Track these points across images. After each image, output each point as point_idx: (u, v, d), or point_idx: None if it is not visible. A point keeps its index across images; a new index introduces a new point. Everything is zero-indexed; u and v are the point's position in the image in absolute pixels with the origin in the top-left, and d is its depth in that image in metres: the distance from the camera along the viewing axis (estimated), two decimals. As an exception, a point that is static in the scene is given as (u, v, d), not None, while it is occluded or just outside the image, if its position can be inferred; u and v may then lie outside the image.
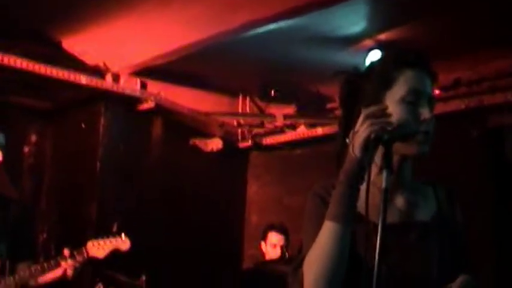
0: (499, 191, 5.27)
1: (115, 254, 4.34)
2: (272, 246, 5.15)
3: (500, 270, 5.10)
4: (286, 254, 5.01)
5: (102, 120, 5.62)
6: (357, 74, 1.98)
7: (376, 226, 1.69)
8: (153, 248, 5.48)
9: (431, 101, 1.90)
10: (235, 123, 6.64)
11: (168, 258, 5.65)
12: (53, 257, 3.57)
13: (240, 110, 6.58)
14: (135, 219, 5.55)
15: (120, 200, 5.62)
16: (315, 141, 6.25)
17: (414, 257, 1.87)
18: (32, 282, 3.50)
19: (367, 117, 1.77)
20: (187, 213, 6.09)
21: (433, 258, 1.89)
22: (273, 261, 5.05)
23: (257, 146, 6.66)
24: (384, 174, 1.71)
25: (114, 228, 5.35)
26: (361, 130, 1.75)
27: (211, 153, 6.40)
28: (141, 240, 5.15)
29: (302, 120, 6.39)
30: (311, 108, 6.36)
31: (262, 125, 6.63)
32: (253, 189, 6.73)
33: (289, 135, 6.50)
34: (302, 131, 6.40)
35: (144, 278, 4.59)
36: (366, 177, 1.76)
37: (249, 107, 6.62)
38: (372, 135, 1.73)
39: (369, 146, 1.73)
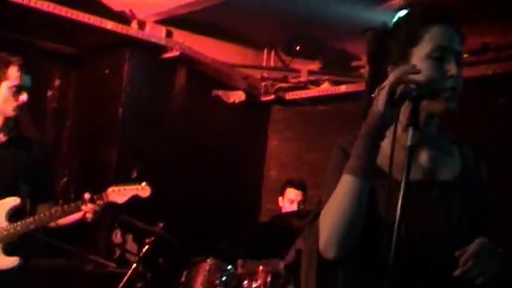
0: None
1: (134, 200, 4.39)
2: (289, 201, 5.16)
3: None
4: (303, 209, 5.04)
5: (126, 67, 5.61)
6: (384, 32, 1.96)
7: (398, 183, 1.68)
8: (171, 197, 5.50)
9: (459, 57, 1.88)
10: (258, 76, 6.59)
11: (186, 207, 5.69)
12: (73, 200, 3.60)
13: (264, 64, 6.54)
14: (155, 166, 5.58)
15: (141, 147, 5.65)
16: (338, 99, 6.21)
17: (434, 215, 1.86)
18: (52, 224, 3.54)
19: (395, 74, 1.75)
20: (207, 164, 6.11)
21: (453, 218, 1.88)
22: (289, 215, 5.07)
23: (279, 101, 6.62)
24: (410, 131, 1.70)
25: (134, 175, 5.42)
26: (387, 85, 1.73)
27: (233, 106, 6.38)
28: (160, 188, 5.18)
29: (326, 77, 6.34)
30: (336, 65, 6.30)
31: (285, 79, 6.58)
32: (273, 144, 6.72)
33: (312, 91, 6.45)
34: (325, 87, 6.35)
35: (161, 225, 4.63)
36: (389, 133, 1.76)
37: (274, 61, 6.59)
38: (398, 91, 1.71)
39: (393, 100, 1.71)
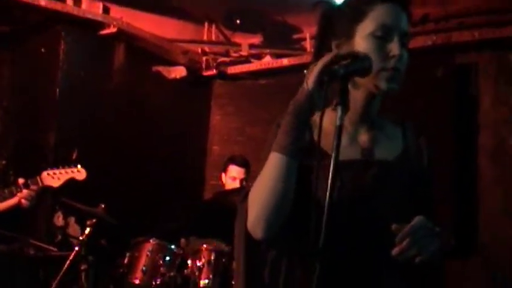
0: (461, 131, 5.29)
1: (74, 182, 4.31)
2: (232, 179, 5.12)
3: (459, 212, 5.17)
4: (246, 186, 5.03)
5: (62, 45, 5.44)
6: (334, 6, 1.94)
7: (339, 150, 1.65)
8: (113, 177, 5.44)
9: (405, 37, 1.85)
10: (199, 51, 6.51)
11: (129, 186, 5.62)
12: (7, 187, 3.52)
13: (205, 38, 6.46)
14: (96, 146, 5.48)
15: (80, 127, 5.53)
16: (280, 72, 6.19)
17: (370, 195, 1.85)
18: None
19: (330, 55, 1.73)
20: (150, 141, 6.02)
21: (391, 198, 1.86)
22: (231, 192, 5.06)
23: (221, 75, 6.56)
24: (338, 111, 1.66)
25: (74, 156, 5.32)
26: (320, 64, 1.70)
27: (175, 81, 6.30)
28: (102, 168, 5.13)
29: (267, 51, 6.30)
30: (277, 38, 6.27)
31: (227, 54, 6.52)
32: (216, 119, 6.68)
33: (254, 65, 6.41)
34: (267, 61, 6.32)
35: (102, 206, 4.57)
36: (331, 111, 1.73)
37: (215, 35, 6.50)
38: (326, 69, 1.69)
39: (323, 80, 1.68)
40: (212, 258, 4.41)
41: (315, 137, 1.79)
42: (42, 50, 5.56)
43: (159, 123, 6.15)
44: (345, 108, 1.67)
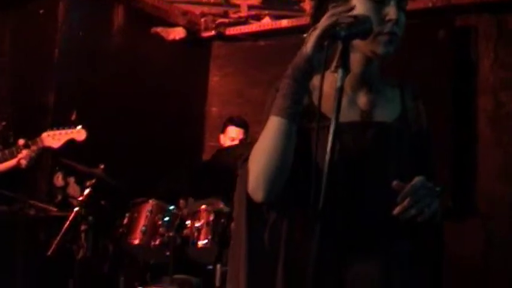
0: (460, 94, 5.29)
1: (74, 143, 4.33)
2: (230, 139, 5.15)
3: (458, 175, 5.20)
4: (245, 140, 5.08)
5: (61, 6, 5.41)
6: None
7: (339, 111, 1.65)
8: (112, 138, 5.45)
9: (403, 1, 1.86)
10: (198, 12, 6.46)
11: (128, 148, 5.63)
12: (7, 147, 3.53)
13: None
14: (94, 107, 5.48)
15: (79, 88, 5.52)
16: (279, 34, 6.16)
17: (370, 156, 1.86)
18: None
19: (329, 15, 1.72)
20: (148, 102, 6.02)
21: (391, 159, 1.87)
22: (229, 148, 5.08)
23: (220, 36, 6.52)
24: (339, 72, 1.66)
25: (73, 117, 5.32)
26: (319, 28, 1.70)
27: (173, 43, 6.27)
28: (101, 129, 5.14)
29: (267, 12, 6.25)
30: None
31: (226, 15, 6.47)
32: (214, 80, 6.66)
33: (253, 26, 6.36)
34: (267, 22, 6.28)
35: (102, 167, 4.58)
36: (330, 74, 1.73)
37: (214, -5, 6.46)
38: (325, 33, 1.69)
39: (323, 43, 1.69)
40: (211, 218, 4.42)
41: (314, 100, 1.82)
42: (41, 11, 5.54)
43: (157, 84, 6.14)
44: (346, 71, 1.67)
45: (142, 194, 4.72)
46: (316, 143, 1.71)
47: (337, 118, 1.63)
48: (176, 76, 6.32)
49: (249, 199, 1.83)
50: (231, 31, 6.48)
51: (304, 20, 5.67)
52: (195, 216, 4.48)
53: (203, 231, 4.40)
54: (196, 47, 6.54)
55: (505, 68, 5.16)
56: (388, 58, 1.87)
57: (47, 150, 3.49)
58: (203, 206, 4.50)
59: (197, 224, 4.42)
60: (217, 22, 6.45)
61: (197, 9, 6.46)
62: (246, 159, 1.83)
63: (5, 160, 3.39)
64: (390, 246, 1.87)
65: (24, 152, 3.37)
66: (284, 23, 6.10)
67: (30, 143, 3.39)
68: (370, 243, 1.85)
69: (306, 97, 1.82)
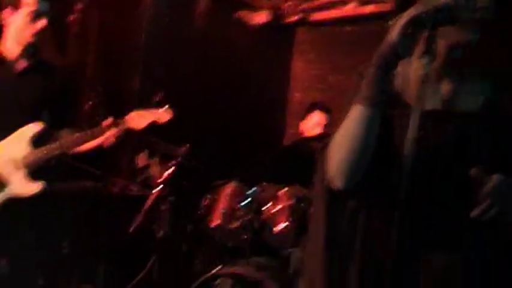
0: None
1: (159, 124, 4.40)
2: (314, 125, 5.13)
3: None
4: (327, 132, 5.03)
5: (148, -8, 5.54)
6: None
7: (422, 100, 1.66)
8: (196, 120, 5.53)
9: None
10: (283, -4, 6.48)
11: (211, 131, 5.72)
12: (95, 126, 3.62)
13: (289, -16, 6.43)
14: (179, 92, 5.56)
15: (164, 72, 5.63)
16: (364, 19, 6.09)
17: (450, 145, 1.83)
18: (74, 149, 3.58)
19: (418, 7, 1.70)
20: (231, 87, 6.09)
21: (472, 149, 1.83)
22: (311, 139, 5.07)
23: (304, 22, 6.53)
24: (424, 59, 1.67)
25: (158, 99, 5.42)
26: (406, 17, 1.69)
27: (257, 28, 6.30)
28: (185, 112, 5.21)
29: (352, -3, 6.23)
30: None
31: (310, 0, 6.46)
32: (298, 66, 6.67)
33: (337, 12, 6.35)
34: (351, 7, 6.23)
35: (186, 148, 4.65)
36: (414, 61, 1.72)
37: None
38: (411, 21, 1.68)
39: (408, 31, 1.68)
40: (290, 203, 4.41)
41: (398, 87, 1.81)
42: (129, -3, 5.66)
43: (241, 69, 6.20)
44: (431, 58, 1.67)
45: (224, 176, 4.77)
46: (398, 131, 1.73)
47: (419, 107, 1.63)
48: (259, 60, 6.37)
49: (328, 186, 1.83)
50: (315, 16, 6.47)
51: (389, 7, 5.59)
52: (274, 200, 4.48)
53: (282, 216, 4.39)
54: (279, 32, 6.58)
55: None
56: (474, 45, 1.83)
57: (131, 131, 3.55)
58: (283, 190, 4.49)
59: (276, 208, 4.43)
60: (301, 7, 6.43)
61: (282, -5, 6.47)
62: (326, 146, 1.84)
63: (92, 139, 3.48)
64: (468, 238, 1.83)
65: (110, 132, 3.45)
66: (369, 8, 6.05)
67: (114, 123, 3.47)
68: (448, 235, 1.83)
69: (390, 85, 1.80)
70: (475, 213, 1.66)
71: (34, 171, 3.46)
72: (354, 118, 1.76)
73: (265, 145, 6.09)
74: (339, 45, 6.35)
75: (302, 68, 6.63)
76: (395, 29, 1.70)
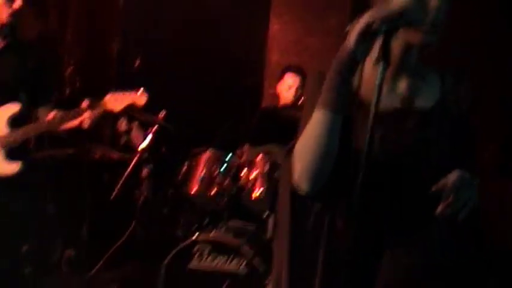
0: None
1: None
2: (288, 87, 5.24)
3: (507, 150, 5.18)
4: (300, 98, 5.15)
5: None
6: None
7: (379, 105, 1.66)
8: (174, 83, 5.59)
9: None
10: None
11: (190, 92, 5.78)
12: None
13: None
14: (157, 54, 5.62)
15: (143, 35, 5.66)
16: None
17: (411, 143, 1.88)
18: (51, 130, 3.64)
19: (373, 14, 1.71)
20: (209, 48, 6.11)
21: (432, 145, 1.88)
22: (285, 107, 5.17)
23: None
24: (380, 67, 1.68)
25: (137, 63, 5.48)
26: (362, 22, 1.70)
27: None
28: (163, 75, 5.29)
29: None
30: None
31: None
32: (274, 28, 6.68)
33: (313, -26, 6.35)
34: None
35: (163, 114, 4.69)
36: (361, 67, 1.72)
37: None
38: (367, 28, 1.69)
39: (364, 37, 1.70)
40: (266, 169, 4.50)
41: (356, 87, 1.79)
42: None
43: (218, 31, 6.20)
44: (387, 64, 1.68)
45: (203, 141, 4.85)
46: (356, 132, 1.77)
47: (375, 113, 1.65)
48: (237, 22, 6.36)
49: (293, 189, 1.86)
50: (291, -22, 6.46)
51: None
52: (251, 165, 4.56)
53: (258, 182, 4.47)
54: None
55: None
56: (431, 46, 1.87)
57: (109, 113, 3.61)
58: (260, 156, 4.58)
59: (253, 174, 4.54)
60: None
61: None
62: (291, 149, 1.86)
63: (69, 120, 3.53)
64: (429, 233, 1.90)
65: (87, 114, 3.49)
66: (344, -28, 6.05)
67: (92, 105, 3.52)
68: (409, 231, 1.89)
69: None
70: (437, 212, 1.71)
71: (11, 152, 3.50)
72: (316, 123, 1.78)
73: (244, 106, 6.16)
74: (313, 8, 6.33)
75: (279, 30, 6.65)
76: (352, 35, 1.70)
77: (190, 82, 5.82)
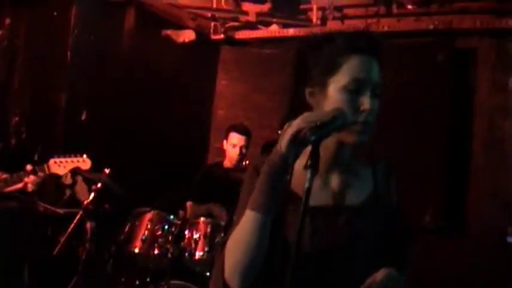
0: (457, 115, 5.40)
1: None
2: (232, 146, 5.30)
3: (450, 195, 5.37)
4: (244, 161, 5.24)
5: (74, 10, 5.54)
6: (312, 49, 1.92)
7: (307, 211, 1.68)
8: (121, 138, 5.64)
9: (377, 88, 1.87)
10: (209, 15, 6.59)
11: (136, 148, 5.83)
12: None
13: (214, 5, 6.51)
14: (104, 109, 5.66)
15: (90, 89, 5.68)
16: (286, 41, 6.26)
17: (341, 240, 1.90)
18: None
19: (303, 120, 1.74)
20: (157, 102, 6.18)
21: (361, 241, 1.92)
22: (229, 169, 5.27)
23: (229, 40, 6.66)
24: (308, 173, 1.69)
25: (83, 117, 5.51)
26: (292, 128, 1.73)
27: (183, 46, 6.40)
28: (110, 129, 5.32)
29: (274, 20, 6.38)
30: (284, 9, 6.33)
31: (236, 19, 6.58)
32: (222, 84, 6.79)
33: (261, 32, 6.51)
34: (274, 29, 6.41)
35: (107, 171, 4.70)
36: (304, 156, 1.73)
37: (224, 3, 6.54)
38: (297, 134, 1.71)
39: (294, 143, 1.72)
40: (208, 231, 4.60)
41: (289, 182, 1.82)
42: (55, 13, 5.67)
43: (167, 86, 6.29)
44: (315, 172, 1.69)
45: (147, 201, 4.91)
46: (291, 227, 1.76)
47: (304, 213, 1.67)
48: (185, 78, 6.47)
49: (225, 284, 1.88)
50: (240, 35, 6.61)
51: (310, 30, 5.80)
52: (193, 227, 4.66)
53: (200, 243, 4.58)
54: (205, 50, 6.68)
55: (502, 92, 5.26)
56: (362, 145, 1.91)
57: (53, 176, 3.66)
58: (202, 219, 4.68)
59: (195, 236, 4.61)
60: (226, 25, 6.56)
61: (208, 14, 6.57)
62: (224, 244, 1.89)
63: (13, 183, 3.57)
64: None
65: (31, 178, 3.54)
66: (291, 32, 6.24)
67: (37, 169, 3.57)
68: None
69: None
70: None
71: None
72: (246, 223, 1.81)
73: (190, 161, 6.23)
74: (261, 66, 6.50)
75: (226, 86, 6.76)
76: (283, 140, 1.74)
77: (136, 134, 5.85)
